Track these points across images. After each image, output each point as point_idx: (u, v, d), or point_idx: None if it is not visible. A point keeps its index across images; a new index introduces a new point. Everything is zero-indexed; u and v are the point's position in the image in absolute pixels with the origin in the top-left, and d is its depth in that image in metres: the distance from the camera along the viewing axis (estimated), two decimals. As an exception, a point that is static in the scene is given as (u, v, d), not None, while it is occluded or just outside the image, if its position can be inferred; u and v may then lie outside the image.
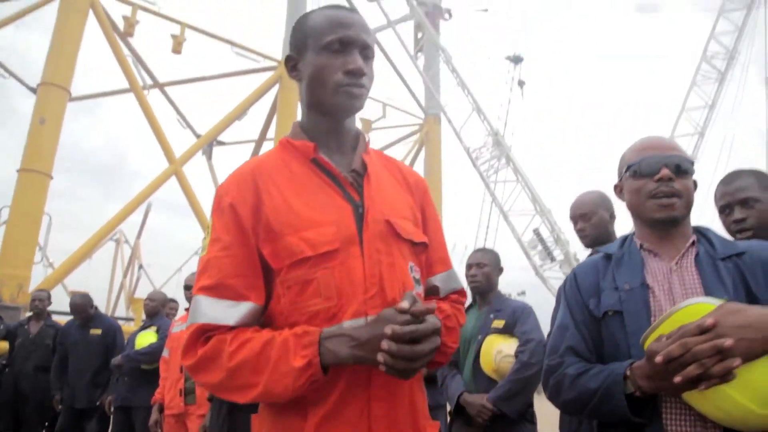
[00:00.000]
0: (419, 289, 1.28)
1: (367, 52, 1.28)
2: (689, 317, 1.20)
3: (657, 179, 1.47)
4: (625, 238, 1.62)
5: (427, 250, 1.36)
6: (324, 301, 1.16)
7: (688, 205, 1.50)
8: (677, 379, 1.15)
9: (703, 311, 1.21)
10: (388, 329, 1.05)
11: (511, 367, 2.90)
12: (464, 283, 1.58)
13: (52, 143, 12.92)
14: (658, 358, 1.18)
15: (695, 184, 1.56)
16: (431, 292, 1.38)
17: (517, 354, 2.92)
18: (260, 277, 1.20)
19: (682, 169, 1.49)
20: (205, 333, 1.15)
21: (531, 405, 3.03)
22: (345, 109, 1.27)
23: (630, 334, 1.39)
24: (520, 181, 18.22)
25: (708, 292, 1.37)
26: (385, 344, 1.04)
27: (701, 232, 1.54)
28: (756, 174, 2.12)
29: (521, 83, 22.77)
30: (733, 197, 2.09)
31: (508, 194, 18.39)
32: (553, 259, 17.18)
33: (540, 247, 17.44)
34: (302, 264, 1.17)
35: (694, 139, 20.40)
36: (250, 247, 1.19)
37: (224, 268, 1.17)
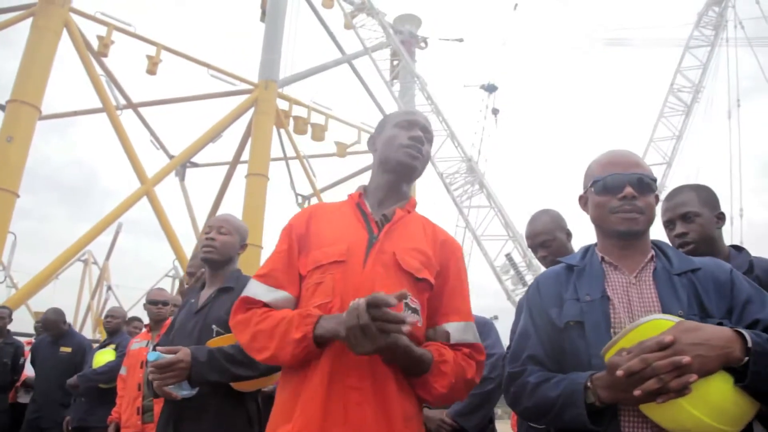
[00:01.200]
0: (414, 318, 1.51)
1: (426, 135, 1.73)
2: (648, 333, 1.27)
3: (621, 197, 1.53)
4: (586, 249, 1.67)
5: (436, 294, 1.61)
6: (324, 297, 1.50)
7: (650, 221, 1.57)
8: (637, 392, 1.21)
9: (661, 327, 1.27)
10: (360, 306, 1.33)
11: None
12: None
13: (19, 161, 12.67)
14: (619, 372, 1.24)
15: (657, 198, 1.62)
16: (442, 337, 1.59)
17: None
18: (297, 278, 1.60)
19: (644, 185, 1.55)
20: (246, 303, 1.57)
21: (492, 421, 3.01)
22: (405, 165, 1.68)
23: (590, 344, 1.44)
24: (493, 207, 18.40)
25: (664, 305, 1.44)
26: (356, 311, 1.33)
27: (659, 247, 1.60)
28: (697, 189, 2.20)
29: (495, 111, 23.18)
30: (674, 212, 2.16)
31: (481, 220, 18.56)
32: (525, 284, 17.25)
33: (512, 272, 17.55)
34: (317, 270, 1.55)
35: (662, 168, 20.90)
36: (294, 257, 1.61)
37: (276, 265, 1.61)
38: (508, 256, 17.85)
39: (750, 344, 1.24)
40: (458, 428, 2.82)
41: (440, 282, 1.62)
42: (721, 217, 2.18)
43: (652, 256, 1.55)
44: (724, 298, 1.43)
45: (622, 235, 1.55)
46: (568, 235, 2.78)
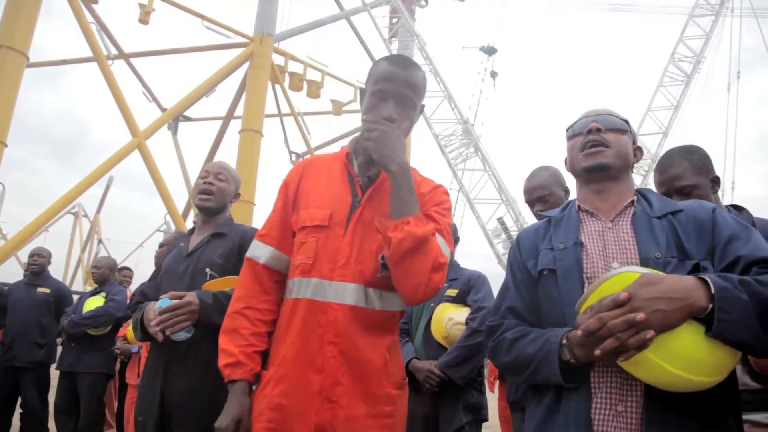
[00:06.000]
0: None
1: (404, 102, 1.63)
2: (615, 287, 1.22)
3: (587, 131, 1.54)
4: (568, 203, 1.64)
5: None
6: (305, 258, 1.59)
7: (620, 157, 1.53)
8: (597, 352, 1.18)
9: (628, 281, 1.22)
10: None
11: (461, 334, 2.88)
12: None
13: (7, 108, 12.42)
14: (578, 332, 1.23)
15: (640, 150, 1.61)
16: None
17: (467, 321, 2.91)
18: (291, 236, 1.69)
19: (611, 122, 1.55)
20: (250, 266, 1.69)
21: (481, 374, 3.02)
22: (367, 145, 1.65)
23: (563, 291, 1.41)
24: (488, 170, 18.37)
25: (641, 249, 1.39)
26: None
27: (642, 194, 1.55)
28: (688, 156, 2.09)
29: (494, 74, 22.95)
30: (670, 187, 2.07)
31: (474, 183, 18.55)
32: (516, 249, 17.35)
33: (504, 236, 17.63)
34: (303, 230, 1.63)
35: (658, 138, 20.85)
36: (288, 214, 1.70)
37: (272, 223, 1.72)
38: (500, 220, 17.91)
39: (713, 290, 1.17)
40: (446, 379, 2.83)
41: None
42: (716, 181, 2.09)
43: (632, 201, 1.51)
44: (704, 239, 1.37)
45: (589, 170, 1.52)
46: (566, 191, 2.73)
